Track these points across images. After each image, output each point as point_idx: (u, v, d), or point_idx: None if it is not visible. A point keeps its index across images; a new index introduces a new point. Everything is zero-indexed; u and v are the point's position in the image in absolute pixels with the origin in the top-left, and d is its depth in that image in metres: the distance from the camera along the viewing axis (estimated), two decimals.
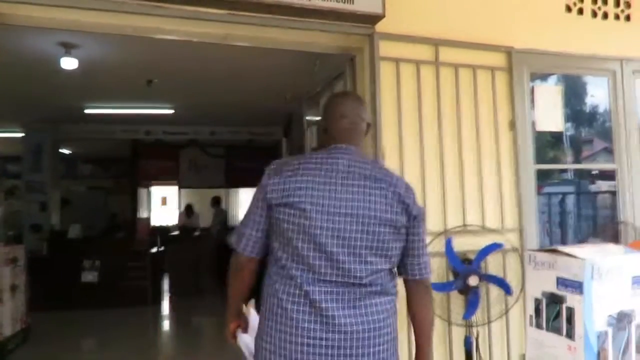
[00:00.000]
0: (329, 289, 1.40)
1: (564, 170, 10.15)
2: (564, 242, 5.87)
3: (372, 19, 2.63)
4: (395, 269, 1.53)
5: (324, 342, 1.37)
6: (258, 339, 1.47)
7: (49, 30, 3.39)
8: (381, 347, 1.41)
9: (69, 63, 4.42)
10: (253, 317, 1.57)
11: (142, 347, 4.92)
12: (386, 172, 1.54)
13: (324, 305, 1.38)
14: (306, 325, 1.37)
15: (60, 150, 8.65)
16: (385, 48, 2.72)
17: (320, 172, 1.44)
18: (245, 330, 1.59)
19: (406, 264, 1.52)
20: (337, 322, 1.37)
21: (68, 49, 4.28)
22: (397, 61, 2.76)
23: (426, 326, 1.57)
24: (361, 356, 1.38)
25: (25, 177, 7.68)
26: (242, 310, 1.60)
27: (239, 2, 2.44)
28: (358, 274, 1.41)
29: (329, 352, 1.36)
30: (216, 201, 8.85)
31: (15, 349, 4.60)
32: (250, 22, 2.54)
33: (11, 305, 4.64)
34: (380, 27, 2.69)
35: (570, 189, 7.49)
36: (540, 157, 3.30)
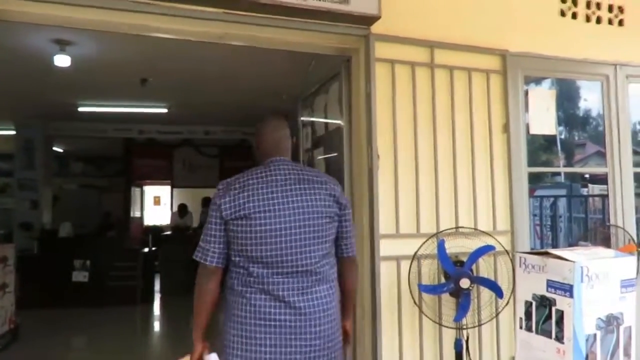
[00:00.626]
0: (283, 279, 1.70)
1: (557, 174, 10.23)
2: (555, 245, 5.90)
3: (368, 20, 2.64)
4: (334, 257, 1.83)
5: (283, 322, 1.67)
6: (227, 331, 1.71)
7: (43, 26, 3.35)
8: (328, 325, 1.73)
9: (62, 60, 4.39)
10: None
11: (131, 346, 4.90)
12: (317, 173, 1.88)
13: (280, 293, 1.69)
14: (268, 309, 1.68)
15: (53, 148, 8.59)
16: (381, 49, 2.72)
17: (263, 184, 1.74)
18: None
19: (340, 245, 1.85)
20: (293, 305, 1.68)
21: (62, 46, 4.25)
22: (392, 62, 2.77)
23: (352, 293, 1.95)
24: (314, 332, 1.69)
25: (17, 175, 7.61)
26: (205, 330, 1.77)
27: (236, 1, 2.43)
28: (305, 262, 1.71)
29: (288, 330, 1.67)
30: (207, 202, 8.80)
31: (2, 349, 4.55)
32: (246, 21, 2.53)
33: (0, 305, 4.59)
34: (376, 28, 2.70)
35: (562, 192, 7.53)
36: (532, 160, 3.32)
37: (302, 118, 3.89)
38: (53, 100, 6.30)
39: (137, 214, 10.72)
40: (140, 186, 10.86)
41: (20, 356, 4.54)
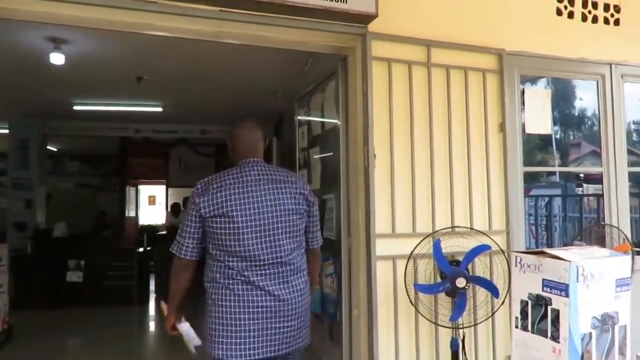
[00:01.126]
0: (262, 271, 1.88)
1: (552, 173, 10.26)
2: (550, 244, 5.92)
3: (365, 18, 2.63)
4: (304, 249, 2.03)
5: (266, 309, 1.86)
6: (212, 321, 1.88)
7: (38, 24, 3.33)
8: (302, 309, 1.96)
9: (57, 58, 4.36)
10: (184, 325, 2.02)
11: (126, 347, 4.87)
12: (287, 173, 2.04)
13: (261, 283, 1.87)
14: (252, 298, 1.85)
15: (48, 147, 8.53)
16: (378, 48, 2.72)
17: (238, 184, 1.90)
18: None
19: (307, 238, 2.06)
20: (273, 293, 1.88)
21: (57, 43, 4.22)
22: (389, 61, 2.77)
23: (316, 276, 2.21)
24: (291, 315, 1.91)
25: (11, 174, 7.56)
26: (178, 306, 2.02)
27: None
28: (279, 254, 1.90)
29: (270, 314, 1.86)
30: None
31: None
32: (242, 19, 2.52)
33: None
34: (372, 26, 2.69)
35: (557, 191, 7.55)
36: (528, 160, 3.33)
37: (298, 117, 3.89)
38: (48, 98, 6.26)
39: (132, 213, 10.68)
40: (136, 185, 10.82)
41: (14, 357, 4.51)
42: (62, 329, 5.46)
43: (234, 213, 1.85)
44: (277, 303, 1.87)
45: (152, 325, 6.26)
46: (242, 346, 1.83)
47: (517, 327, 1.89)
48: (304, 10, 2.51)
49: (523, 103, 3.08)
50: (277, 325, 1.88)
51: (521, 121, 3.06)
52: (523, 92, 3.08)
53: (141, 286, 6.85)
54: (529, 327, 1.77)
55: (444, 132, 2.86)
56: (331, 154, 3.08)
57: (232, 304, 1.85)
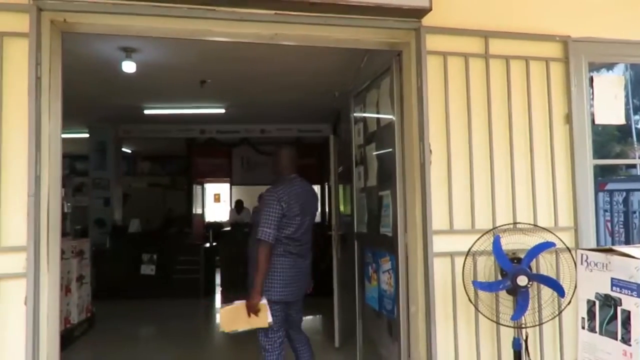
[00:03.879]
0: (301, 247, 2.88)
1: (632, 166, 9.48)
2: (628, 242, 5.50)
3: (419, 12, 2.60)
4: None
5: (303, 269, 2.90)
6: (270, 275, 2.74)
7: (111, 36, 3.61)
8: (310, 270, 3.02)
9: (129, 66, 4.67)
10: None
11: (197, 336, 5.14)
12: (309, 185, 3.04)
13: (302, 254, 2.88)
14: (296, 264, 2.84)
15: (123, 149, 9.15)
16: (432, 42, 2.68)
17: (294, 192, 2.84)
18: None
19: None
20: (305, 261, 2.93)
21: (128, 52, 4.53)
22: (444, 55, 2.71)
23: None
24: (307, 274, 2.97)
25: (92, 175, 8.21)
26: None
27: (285, 2, 2.49)
28: (308, 238, 2.94)
29: (303, 272, 2.91)
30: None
31: (81, 335, 4.94)
32: (296, 21, 2.58)
33: (78, 295, 4.98)
34: (427, 20, 2.65)
35: (637, 185, 6.98)
36: (602, 152, 3.13)
37: (354, 114, 3.90)
38: (121, 104, 6.72)
39: (199, 210, 11.20)
40: (202, 184, 11.33)
41: (96, 341, 4.91)
42: (136, 318, 5.87)
43: (296, 212, 2.79)
44: (305, 266, 2.91)
45: (218, 318, 6.55)
46: (292, 289, 2.83)
47: (583, 328, 1.81)
48: (356, 9, 2.52)
49: (592, 92, 2.90)
50: (305, 278, 2.94)
51: (590, 111, 2.88)
52: (592, 81, 2.90)
53: (207, 280, 7.19)
54: (597, 329, 1.68)
55: (504, 125, 2.76)
56: (387, 150, 3.07)
57: (288, 265, 2.78)
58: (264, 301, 2.68)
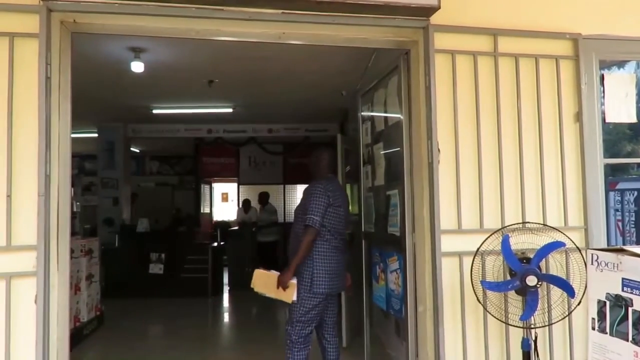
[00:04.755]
0: (341, 238, 3.02)
1: None
2: (639, 242, 5.43)
3: (427, 11, 2.58)
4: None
5: (341, 259, 3.00)
6: (317, 267, 2.89)
7: (120, 36, 3.63)
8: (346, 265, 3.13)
9: (137, 66, 4.70)
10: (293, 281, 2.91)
11: (205, 335, 5.16)
12: (340, 184, 3.35)
13: (341, 245, 3.02)
14: (339, 258, 2.98)
15: (131, 148, 9.20)
16: (441, 40, 2.66)
17: (336, 190, 3.04)
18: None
19: None
20: (345, 256, 3.05)
21: (137, 53, 4.55)
22: (452, 53, 2.70)
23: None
24: (345, 269, 3.09)
25: (100, 174, 8.26)
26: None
27: (293, 1, 2.48)
28: (344, 231, 3.08)
29: (343, 266, 3.02)
30: (264, 198, 8.66)
31: (90, 333, 4.98)
32: (303, 20, 2.58)
33: (87, 294, 5.02)
34: (435, 18, 2.64)
35: None
36: (615, 151, 3.10)
37: (362, 113, 3.88)
38: (130, 104, 6.76)
39: (207, 210, 11.24)
40: (209, 183, 11.37)
41: (106, 339, 4.95)
42: (144, 317, 5.91)
43: (339, 205, 2.99)
44: (344, 261, 3.05)
45: (226, 316, 6.57)
46: (336, 282, 2.98)
47: (593, 328, 1.79)
48: (364, 7, 2.51)
49: (603, 90, 2.86)
50: (344, 273, 3.07)
51: (601, 110, 2.85)
52: (602, 79, 2.86)
53: (215, 279, 7.21)
54: (607, 330, 1.66)
55: (513, 123, 2.74)
56: (395, 149, 3.06)
57: (330, 254, 2.93)
58: (294, 280, 2.87)
